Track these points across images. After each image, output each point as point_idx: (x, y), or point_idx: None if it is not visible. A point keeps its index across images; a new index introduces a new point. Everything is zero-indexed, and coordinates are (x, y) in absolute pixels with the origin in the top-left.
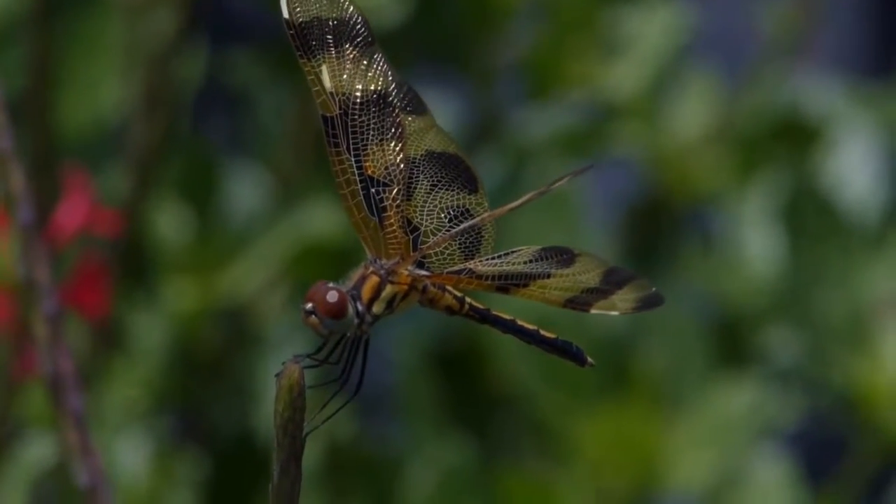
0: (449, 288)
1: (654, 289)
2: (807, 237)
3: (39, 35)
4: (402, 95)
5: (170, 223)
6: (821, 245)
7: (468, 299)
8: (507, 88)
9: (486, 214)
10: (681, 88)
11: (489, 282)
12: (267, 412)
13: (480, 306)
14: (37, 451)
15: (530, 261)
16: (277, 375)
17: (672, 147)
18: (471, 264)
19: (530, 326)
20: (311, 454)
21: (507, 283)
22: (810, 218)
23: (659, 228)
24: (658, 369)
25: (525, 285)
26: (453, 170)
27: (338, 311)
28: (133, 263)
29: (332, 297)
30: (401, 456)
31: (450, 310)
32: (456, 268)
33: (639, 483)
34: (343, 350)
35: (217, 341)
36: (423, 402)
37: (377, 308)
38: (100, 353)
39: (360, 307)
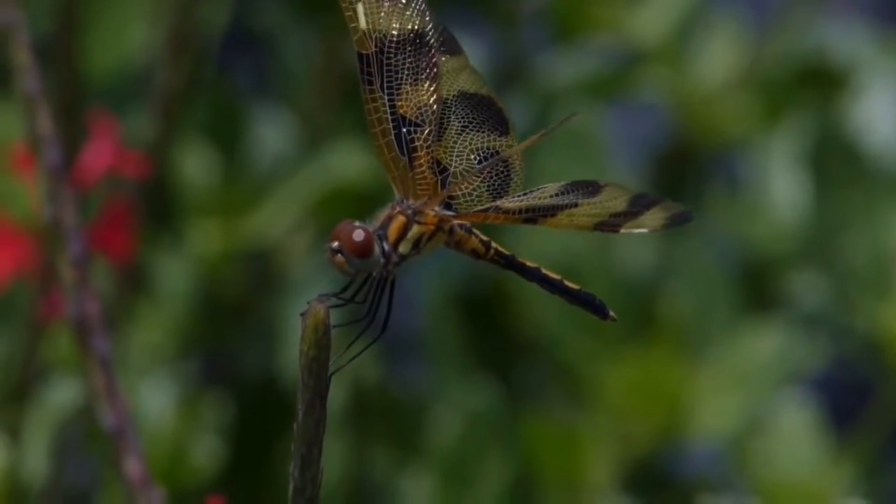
0: (475, 231)
1: (681, 207)
2: (832, 182)
3: None
4: (437, 35)
5: (195, 166)
6: (846, 190)
7: (494, 244)
8: (532, 32)
9: (509, 151)
10: (707, 33)
11: (516, 215)
12: (292, 355)
13: (506, 252)
14: (62, 395)
15: (557, 194)
16: (303, 314)
17: (698, 92)
18: (497, 202)
19: (555, 276)
20: (336, 397)
21: (535, 215)
22: (836, 163)
23: (685, 173)
24: (683, 314)
25: (553, 215)
26: (484, 111)
27: (364, 250)
28: (158, 207)
29: (358, 235)
30: (426, 400)
31: (475, 253)
32: (482, 207)
33: (663, 428)
34: (368, 290)
35: (242, 284)
36: (449, 346)
37: (403, 248)
38: (125, 297)
39: (386, 247)
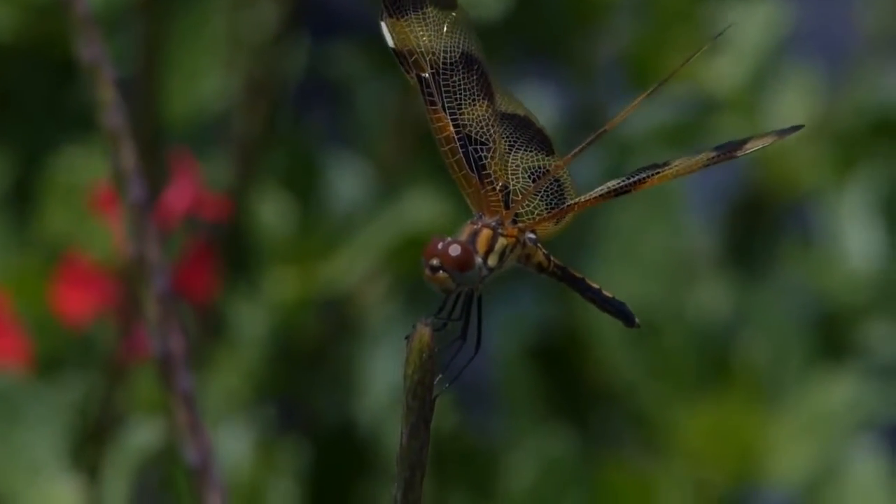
0: (540, 244)
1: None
2: None
3: (147, 22)
4: (480, 57)
5: (272, 213)
6: None
7: (553, 258)
8: (608, 82)
9: (560, 161)
10: (780, 83)
11: (599, 197)
12: (368, 401)
13: (560, 263)
14: (142, 436)
15: (633, 174)
16: (407, 338)
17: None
18: (576, 200)
19: (595, 285)
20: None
21: (626, 187)
22: None
23: (759, 223)
24: (758, 363)
25: (642, 182)
26: (527, 132)
27: (465, 263)
28: (235, 253)
29: (455, 250)
30: (501, 447)
31: (540, 266)
32: (556, 209)
33: (738, 475)
34: (462, 308)
35: (318, 331)
36: (524, 394)
37: (491, 261)
38: (203, 341)
39: (479, 259)
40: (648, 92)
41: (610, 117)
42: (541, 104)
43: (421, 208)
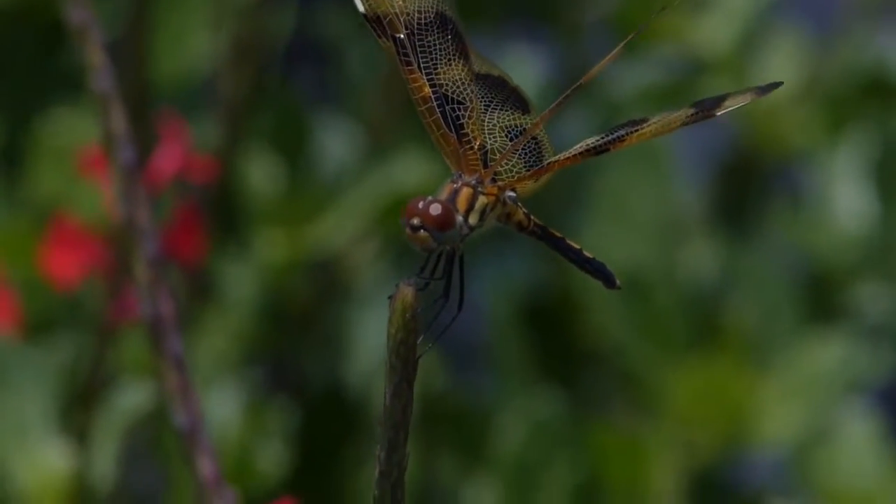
0: (520, 203)
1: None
2: (895, 193)
3: None
4: (454, 18)
5: (260, 175)
6: None
7: (533, 217)
8: (596, 44)
9: (538, 119)
10: (769, 44)
11: (578, 155)
12: (357, 362)
13: (540, 223)
14: (131, 399)
15: (611, 131)
16: (391, 297)
17: (762, 103)
18: (555, 158)
19: (575, 245)
20: None
21: (605, 145)
22: None
23: (748, 184)
24: (747, 324)
25: (621, 140)
26: (502, 91)
27: (446, 222)
28: (224, 215)
29: (436, 209)
30: (491, 409)
31: (520, 225)
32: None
33: (727, 437)
34: (443, 267)
35: (307, 293)
36: (514, 355)
37: (472, 219)
38: (192, 304)
39: (460, 218)
40: (622, 45)
41: (598, 79)
42: (528, 65)
43: (410, 169)
